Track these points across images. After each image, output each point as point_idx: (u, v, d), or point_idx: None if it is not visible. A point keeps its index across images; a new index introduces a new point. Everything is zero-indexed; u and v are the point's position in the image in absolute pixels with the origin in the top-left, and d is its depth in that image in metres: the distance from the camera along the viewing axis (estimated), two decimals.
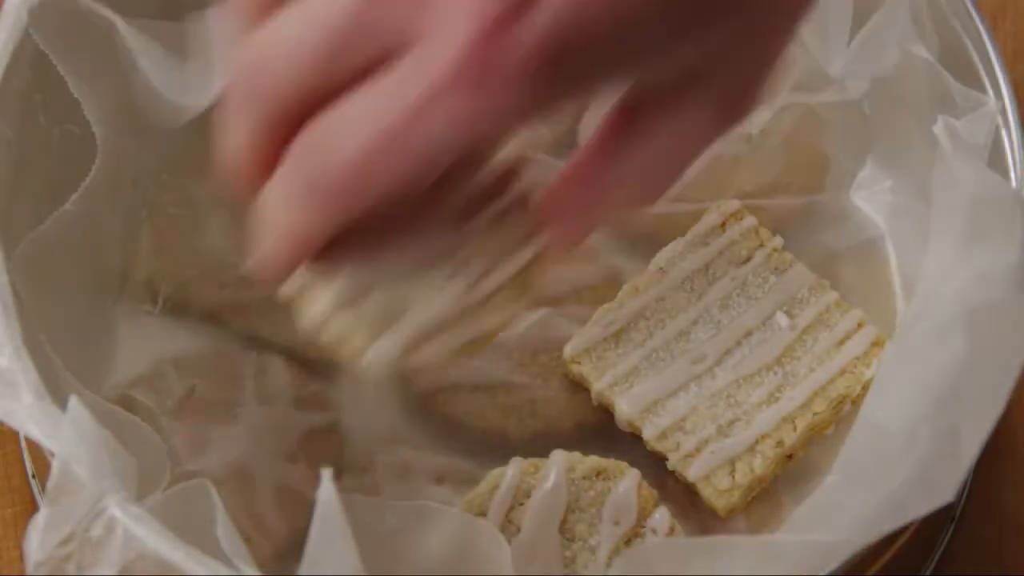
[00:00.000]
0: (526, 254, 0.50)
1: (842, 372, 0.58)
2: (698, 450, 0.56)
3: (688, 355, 0.58)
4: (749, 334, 0.58)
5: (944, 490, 0.46)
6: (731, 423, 0.57)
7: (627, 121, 0.44)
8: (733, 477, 0.56)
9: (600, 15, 0.40)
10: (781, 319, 0.59)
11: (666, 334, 0.58)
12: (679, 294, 0.59)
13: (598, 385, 0.58)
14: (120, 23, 0.56)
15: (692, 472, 0.56)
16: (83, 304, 0.59)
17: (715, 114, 0.43)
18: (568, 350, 0.59)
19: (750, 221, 0.61)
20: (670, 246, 0.60)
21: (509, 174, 0.50)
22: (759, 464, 0.56)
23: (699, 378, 0.58)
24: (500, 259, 0.50)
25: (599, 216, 0.46)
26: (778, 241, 0.60)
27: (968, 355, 0.49)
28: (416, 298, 0.49)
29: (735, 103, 0.44)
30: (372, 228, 0.44)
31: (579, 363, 0.58)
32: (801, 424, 0.57)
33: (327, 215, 0.42)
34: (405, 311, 0.49)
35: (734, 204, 0.61)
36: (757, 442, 0.56)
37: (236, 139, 0.43)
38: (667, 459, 0.57)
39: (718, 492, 0.56)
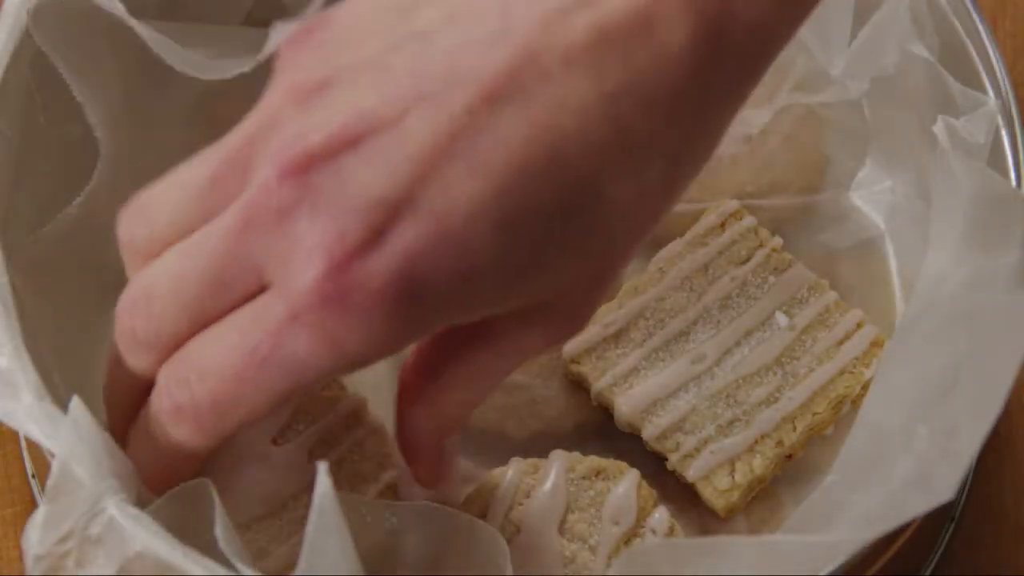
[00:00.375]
0: (383, 481, 0.51)
1: (842, 372, 0.58)
2: (698, 450, 0.56)
3: (688, 355, 0.58)
4: (749, 334, 0.58)
5: (944, 490, 0.46)
6: (731, 423, 0.57)
7: (468, 332, 0.47)
8: (733, 477, 0.56)
9: (449, 258, 0.43)
10: (780, 319, 0.59)
11: (666, 334, 0.58)
12: (679, 294, 0.59)
13: (598, 385, 0.58)
14: (125, 16, 0.56)
15: (692, 472, 0.56)
16: (84, 306, 0.58)
17: (551, 331, 0.48)
18: (568, 350, 0.59)
19: (749, 221, 0.61)
20: (669, 246, 0.60)
21: (359, 409, 0.52)
22: (759, 464, 0.56)
23: (699, 378, 0.58)
24: (358, 489, 0.51)
25: (445, 431, 0.50)
26: (777, 241, 0.60)
27: (968, 355, 0.49)
28: (276, 536, 0.50)
29: (570, 323, 0.48)
30: (225, 467, 0.48)
31: (579, 363, 0.58)
32: (801, 424, 0.57)
33: (193, 439, 0.46)
34: (265, 549, 0.50)
35: (733, 204, 0.61)
36: (757, 442, 0.56)
37: (118, 377, 0.48)
38: (667, 459, 0.57)
39: (718, 492, 0.56)
